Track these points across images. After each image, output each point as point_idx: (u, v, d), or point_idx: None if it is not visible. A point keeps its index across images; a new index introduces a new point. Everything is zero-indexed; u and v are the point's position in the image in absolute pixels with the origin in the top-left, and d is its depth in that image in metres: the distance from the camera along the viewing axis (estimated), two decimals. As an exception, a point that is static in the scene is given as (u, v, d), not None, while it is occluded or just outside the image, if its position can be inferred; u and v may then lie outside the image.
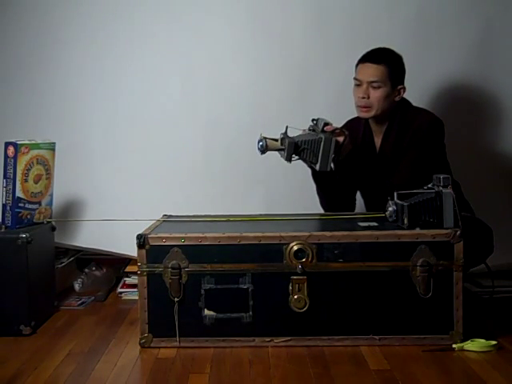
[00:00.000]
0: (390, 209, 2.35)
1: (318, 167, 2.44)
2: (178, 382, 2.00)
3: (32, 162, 2.58)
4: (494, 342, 2.20)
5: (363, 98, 2.54)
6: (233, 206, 2.84)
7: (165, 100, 3.08)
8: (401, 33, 2.99)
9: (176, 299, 2.25)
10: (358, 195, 2.78)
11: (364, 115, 2.58)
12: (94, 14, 3.07)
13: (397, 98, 2.59)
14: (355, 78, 2.58)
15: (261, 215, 2.64)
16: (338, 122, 2.59)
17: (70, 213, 3.03)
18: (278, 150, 2.47)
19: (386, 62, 2.54)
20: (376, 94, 2.54)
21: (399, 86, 2.58)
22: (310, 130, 2.51)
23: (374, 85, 2.53)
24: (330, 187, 2.65)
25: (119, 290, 2.94)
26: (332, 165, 2.45)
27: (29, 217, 2.60)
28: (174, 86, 3.08)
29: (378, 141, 2.64)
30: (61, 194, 2.94)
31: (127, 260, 2.99)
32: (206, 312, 2.26)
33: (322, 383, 1.97)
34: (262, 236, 2.25)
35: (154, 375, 2.05)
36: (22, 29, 3.08)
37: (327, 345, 2.24)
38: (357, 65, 2.60)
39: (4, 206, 2.54)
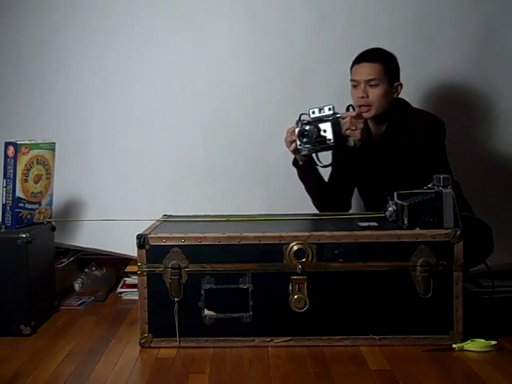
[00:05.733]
0: (390, 209, 2.35)
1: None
2: (178, 382, 2.00)
3: (32, 162, 2.58)
4: (494, 342, 2.19)
5: (362, 97, 2.55)
6: (233, 206, 2.84)
7: (165, 100, 3.08)
8: (401, 33, 2.99)
9: (176, 299, 2.25)
10: (357, 196, 2.79)
11: (365, 115, 2.57)
12: (94, 13, 3.06)
13: (395, 95, 2.60)
14: (352, 80, 2.59)
15: (261, 215, 2.64)
16: (338, 121, 2.60)
17: (70, 213, 3.03)
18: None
19: (381, 60, 2.56)
20: (375, 93, 2.55)
21: (396, 83, 2.59)
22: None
23: (372, 83, 2.54)
24: (318, 185, 2.68)
25: (119, 289, 2.94)
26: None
27: (29, 217, 2.60)
28: (174, 86, 3.07)
29: (377, 142, 2.64)
30: (61, 194, 2.93)
31: (127, 260, 2.99)
32: (206, 312, 2.26)
33: (322, 383, 1.97)
34: (262, 236, 2.25)
35: (154, 375, 2.05)
36: (22, 29, 3.08)
37: (327, 345, 2.24)
38: (351, 67, 2.61)
39: (4, 205, 2.54)
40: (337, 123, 2.53)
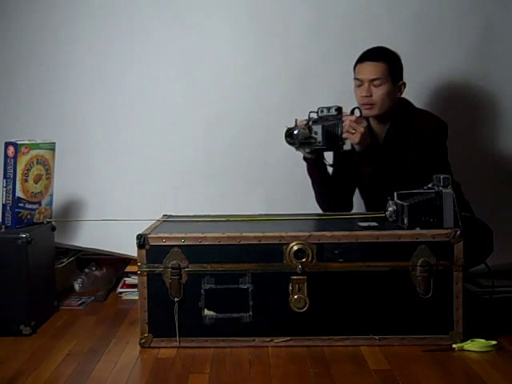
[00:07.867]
0: (390, 209, 2.35)
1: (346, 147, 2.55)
2: (178, 382, 2.00)
3: (32, 162, 2.58)
4: (493, 342, 2.20)
5: (366, 96, 2.55)
6: (233, 206, 2.84)
7: (165, 100, 3.08)
8: (401, 33, 2.99)
9: (176, 299, 2.25)
10: (357, 197, 2.79)
11: (368, 113, 2.58)
12: (94, 13, 3.07)
13: (398, 95, 2.60)
14: (356, 79, 2.59)
15: (261, 215, 2.64)
16: (338, 121, 2.59)
17: (70, 213, 3.03)
18: (308, 138, 2.51)
19: (385, 59, 2.55)
20: (379, 92, 2.54)
21: (400, 82, 2.59)
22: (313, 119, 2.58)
23: (376, 82, 2.54)
24: (325, 182, 2.68)
25: (119, 289, 2.94)
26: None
27: (29, 217, 2.60)
28: (174, 86, 3.08)
29: (379, 142, 2.64)
30: (61, 194, 2.93)
31: (127, 260, 2.99)
32: (206, 312, 2.26)
33: (322, 383, 1.97)
34: (262, 236, 2.25)
35: (154, 375, 2.05)
36: (22, 29, 3.08)
37: (327, 345, 2.24)
38: (355, 66, 2.61)
39: (4, 205, 2.54)
40: (331, 126, 2.52)
